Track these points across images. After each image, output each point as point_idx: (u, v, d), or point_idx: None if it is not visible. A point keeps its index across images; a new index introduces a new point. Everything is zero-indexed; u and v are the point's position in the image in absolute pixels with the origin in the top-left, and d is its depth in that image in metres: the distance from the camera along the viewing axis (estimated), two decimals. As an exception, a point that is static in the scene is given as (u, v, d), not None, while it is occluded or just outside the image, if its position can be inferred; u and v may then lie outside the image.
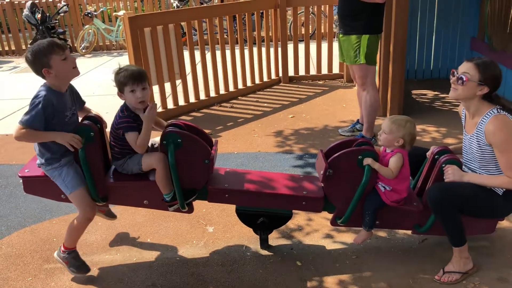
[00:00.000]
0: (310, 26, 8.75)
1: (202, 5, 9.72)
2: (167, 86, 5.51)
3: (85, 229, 2.71)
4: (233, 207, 3.03)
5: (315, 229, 3.17)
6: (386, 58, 4.93)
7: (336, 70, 6.75)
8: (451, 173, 2.52)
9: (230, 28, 6.04)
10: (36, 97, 2.48)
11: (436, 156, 2.65)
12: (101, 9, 10.34)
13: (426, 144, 4.23)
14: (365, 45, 4.23)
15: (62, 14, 10.08)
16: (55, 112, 2.49)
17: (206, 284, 2.69)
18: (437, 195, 2.50)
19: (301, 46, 6.64)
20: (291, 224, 3.20)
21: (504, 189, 2.50)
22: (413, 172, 2.79)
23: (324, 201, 2.75)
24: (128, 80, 2.52)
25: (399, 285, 2.60)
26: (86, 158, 2.58)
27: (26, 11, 9.72)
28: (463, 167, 2.62)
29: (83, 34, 9.82)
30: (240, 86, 6.28)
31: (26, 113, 2.45)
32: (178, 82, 5.63)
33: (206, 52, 5.84)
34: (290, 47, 6.60)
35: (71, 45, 10.20)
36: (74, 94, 2.71)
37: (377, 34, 4.28)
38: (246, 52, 6.28)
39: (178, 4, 9.93)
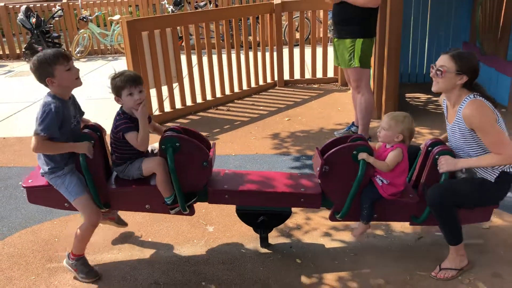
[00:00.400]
0: (305, 31, 8.85)
1: (197, 10, 9.81)
2: (164, 89, 5.56)
3: (91, 235, 2.75)
4: (232, 208, 3.09)
5: (313, 227, 3.23)
6: (381, 62, 5.02)
7: (330, 74, 6.85)
8: (444, 163, 2.58)
9: (227, 32, 6.11)
10: (46, 105, 2.51)
11: (429, 148, 2.70)
12: (96, 14, 10.38)
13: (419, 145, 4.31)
14: (359, 49, 4.32)
15: (57, 19, 10.11)
16: (63, 120, 2.55)
17: (208, 281, 2.74)
18: (435, 198, 2.56)
19: (296, 51, 6.73)
20: (290, 223, 3.26)
21: (496, 175, 2.56)
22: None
23: (322, 197, 2.81)
24: (125, 84, 2.59)
25: (396, 281, 2.67)
26: (87, 166, 2.64)
27: (20, 16, 9.74)
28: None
29: (78, 39, 9.86)
30: (236, 89, 6.35)
31: (40, 123, 2.48)
32: (175, 85, 5.69)
33: (202, 56, 5.91)
34: (286, 51, 6.69)
35: (65, 49, 10.23)
36: (76, 103, 2.78)
37: (371, 38, 4.37)
38: (242, 56, 6.35)
39: (173, 9, 10.00)
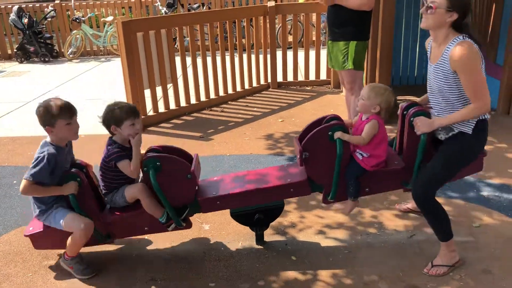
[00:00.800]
0: (298, 34, 8.92)
1: (190, 12, 9.84)
2: (159, 90, 5.59)
3: (86, 241, 2.77)
4: (227, 206, 3.13)
5: (308, 225, 3.28)
6: (373, 65, 5.10)
7: (323, 76, 6.92)
8: (420, 125, 2.58)
9: (221, 34, 6.16)
10: (40, 152, 2.64)
11: (404, 112, 2.72)
12: (89, 15, 10.37)
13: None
14: (353, 51, 4.38)
15: (49, 19, 10.08)
16: (56, 166, 2.66)
17: (205, 277, 2.78)
18: (420, 191, 2.61)
19: (290, 53, 6.80)
20: (284, 221, 3.31)
21: (473, 125, 2.54)
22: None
23: (310, 183, 2.84)
24: (129, 115, 2.72)
25: (389, 277, 2.72)
26: (78, 204, 2.71)
27: (12, 16, 9.71)
28: (432, 114, 2.67)
29: (70, 39, 9.84)
30: (230, 91, 6.39)
31: (31, 168, 2.61)
32: (169, 86, 5.72)
33: (197, 57, 5.95)
34: (279, 53, 6.75)
35: (58, 49, 10.21)
36: (71, 151, 2.87)
37: (364, 41, 4.44)
38: (236, 58, 6.40)
39: (167, 11, 10.03)
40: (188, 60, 5.87)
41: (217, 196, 2.84)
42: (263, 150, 4.63)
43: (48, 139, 2.72)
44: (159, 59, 5.43)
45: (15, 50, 9.89)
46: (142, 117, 5.36)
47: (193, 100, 6.00)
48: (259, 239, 3.08)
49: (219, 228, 3.29)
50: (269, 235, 3.16)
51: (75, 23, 9.75)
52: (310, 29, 7.33)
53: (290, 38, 8.91)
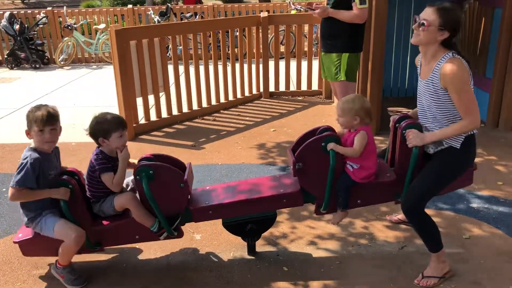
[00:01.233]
0: (290, 44, 8.99)
1: (182, 21, 9.87)
2: (151, 98, 5.59)
3: (77, 249, 2.75)
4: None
5: (299, 236, 3.28)
6: (365, 77, 5.15)
7: (315, 86, 6.96)
8: (412, 138, 2.61)
9: (214, 43, 6.19)
10: (23, 158, 2.63)
11: (397, 125, 2.75)
12: (81, 22, 10.35)
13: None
14: (345, 63, 4.43)
15: (41, 26, 10.05)
16: (41, 171, 2.64)
17: (197, 288, 2.77)
18: (408, 204, 2.63)
19: (282, 63, 6.84)
20: (276, 231, 3.31)
21: (462, 140, 2.58)
22: None
23: (303, 193, 2.85)
24: (118, 127, 2.74)
25: (381, 289, 2.73)
26: (70, 210, 2.69)
27: (4, 22, 9.67)
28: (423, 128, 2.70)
29: (62, 46, 9.81)
30: (222, 100, 6.41)
31: (16, 175, 2.59)
32: (162, 94, 5.72)
33: (189, 66, 5.96)
34: (271, 63, 6.79)
35: (49, 56, 10.16)
36: (58, 157, 2.86)
37: (357, 53, 4.49)
38: (229, 67, 6.42)
39: (159, 19, 10.05)
40: (181, 68, 5.89)
41: (209, 205, 2.83)
42: (255, 160, 4.64)
43: (32, 144, 2.70)
44: (151, 68, 5.43)
45: (5, 56, 9.83)
46: (134, 125, 5.35)
47: (185, 109, 6.00)
48: (251, 249, 3.07)
49: (211, 238, 3.28)
50: (260, 246, 3.15)
51: (67, 30, 9.73)
52: (302, 39, 7.39)
53: (283, 49, 8.96)
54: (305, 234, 3.30)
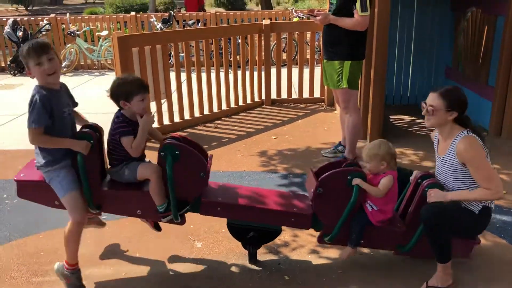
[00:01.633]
0: (292, 52, 9.01)
1: (185, 28, 9.90)
2: (153, 105, 5.58)
3: (80, 236, 2.71)
4: (220, 224, 3.10)
5: (301, 245, 3.25)
6: (367, 85, 5.14)
7: (317, 94, 6.96)
8: (433, 196, 2.68)
9: (216, 51, 6.19)
10: (31, 97, 2.54)
11: (419, 181, 2.80)
12: (84, 29, 10.39)
13: (404, 166, 4.39)
14: (347, 70, 4.42)
15: (44, 33, 10.08)
16: (53, 107, 2.55)
17: (197, 297, 2.74)
18: (431, 217, 2.62)
19: (284, 71, 6.84)
20: (278, 240, 3.27)
21: (480, 207, 2.68)
22: None
23: (313, 218, 2.85)
24: (140, 90, 2.68)
25: (383, 298, 2.70)
26: (85, 165, 2.63)
27: (7, 29, 9.70)
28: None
29: (64, 53, 9.83)
30: (224, 107, 6.40)
31: (29, 116, 2.51)
32: (163, 101, 5.72)
33: (192, 73, 5.96)
34: (273, 71, 6.79)
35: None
36: (69, 93, 2.80)
37: (359, 61, 4.48)
38: (231, 74, 6.43)
39: (162, 27, 10.08)
40: (183, 75, 5.89)
41: (220, 202, 2.82)
42: (256, 167, 4.62)
43: (37, 83, 2.61)
44: (154, 75, 5.44)
45: (8, 63, 9.85)
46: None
47: (187, 116, 5.99)
48: (252, 258, 3.05)
49: (212, 246, 3.26)
50: (262, 254, 3.13)
51: (70, 37, 9.76)
52: (304, 47, 7.40)
53: (285, 56, 8.98)
54: (307, 242, 3.28)
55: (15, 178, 2.78)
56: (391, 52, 6.44)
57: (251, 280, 2.88)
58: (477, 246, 2.97)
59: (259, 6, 22.19)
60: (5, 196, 4.02)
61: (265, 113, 6.49)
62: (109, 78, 9.07)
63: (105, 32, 10.12)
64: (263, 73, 6.69)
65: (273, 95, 6.90)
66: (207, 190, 2.90)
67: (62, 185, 2.63)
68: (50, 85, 2.58)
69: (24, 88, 8.50)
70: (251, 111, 6.57)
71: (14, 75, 9.75)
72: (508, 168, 4.40)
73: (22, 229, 3.48)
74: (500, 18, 5.10)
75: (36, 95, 2.51)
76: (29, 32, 9.84)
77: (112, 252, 3.20)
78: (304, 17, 9.93)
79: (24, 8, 26.23)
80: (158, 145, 2.73)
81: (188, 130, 5.84)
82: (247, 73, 6.65)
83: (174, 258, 3.12)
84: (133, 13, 11.43)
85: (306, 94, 6.94)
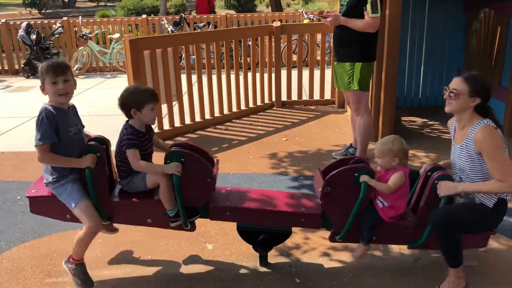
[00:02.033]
0: (302, 53, 9.00)
1: (196, 31, 9.95)
2: (164, 107, 5.62)
3: (91, 241, 2.76)
4: (231, 226, 3.10)
5: (312, 247, 3.25)
6: (378, 87, 5.12)
7: (328, 96, 6.94)
8: (444, 188, 2.64)
9: (227, 53, 6.21)
10: (38, 115, 2.61)
11: (428, 173, 2.76)
12: (96, 32, 10.48)
13: (416, 168, 4.36)
14: (358, 72, 4.40)
15: (57, 36, 10.20)
16: (59, 126, 2.61)
17: (208, 299, 2.74)
18: (440, 221, 2.60)
19: (294, 72, 6.84)
20: (289, 242, 3.27)
21: (494, 201, 2.63)
22: None
23: (322, 217, 2.84)
24: (152, 99, 2.72)
25: (395, 302, 2.69)
26: (92, 178, 2.67)
27: (21, 32, 9.83)
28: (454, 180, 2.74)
29: (77, 56, 9.93)
30: (234, 109, 6.42)
31: (36, 133, 2.58)
32: (175, 103, 5.75)
33: (202, 75, 5.99)
34: (284, 72, 6.79)
35: (64, 66, 10.28)
36: (76, 114, 2.85)
37: (370, 62, 4.47)
38: (241, 76, 6.44)
39: (173, 29, 10.13)
40: (194, 77, 5.91)
41: (229, 206, 2.84)
42: (266, 169, 4.62)
43: (46, 101, 2.68)
44: (165, 77, 5.47)
45: (22, 65, 9.98)
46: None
47: (197, 118, 6.02)
48: (263, 260, 3.05)
49: (223, 248, 3.26)
50: (273, 257, 3.13)
51: (82, 40, 9.87)
52: (315, 49, 7.39)
53: (295, 58, 8.98)
54: (318, 245, 3.27)
55: (27, 195, 2.84)
56: (402, 53, 6.40)
57: (262, 283, 2.88)
58: (493, 235, 2.91)
59: (269, 8, 22.19)
60: (18, 197, 4.07)
61: (275, 115, 6.50)
62: (121, 81, 9.15)
63: (116, 35, 10.20)
64: (273, 75, 6.69)
65: (283, 97, 6.90)
66: (215, 195, 2.92)
67: (72, 196, 2.69)
68: (59, 104, 2.66)
69: (37, 90, 8.55)
70: (261, 113, 6.58)
71: (28, 77, 9.87)
72: (521, 170, 4.34)
73: (35, 230, 3.52)
74: (513, 18, 5.05)
75: (43, 113, 2.59)
76: (42, 35, 9.96)
77: (123, 254, 3.22)
78: (315, 18, 9.91)
79: (37, 11, 26.55)
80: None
81: (199, 132, 5.86)
82: (258, 75, 6.66)
83: (185, 260, 3.13)
84: (144, 15, 11.51)
85: (316, 96, 6.93)
